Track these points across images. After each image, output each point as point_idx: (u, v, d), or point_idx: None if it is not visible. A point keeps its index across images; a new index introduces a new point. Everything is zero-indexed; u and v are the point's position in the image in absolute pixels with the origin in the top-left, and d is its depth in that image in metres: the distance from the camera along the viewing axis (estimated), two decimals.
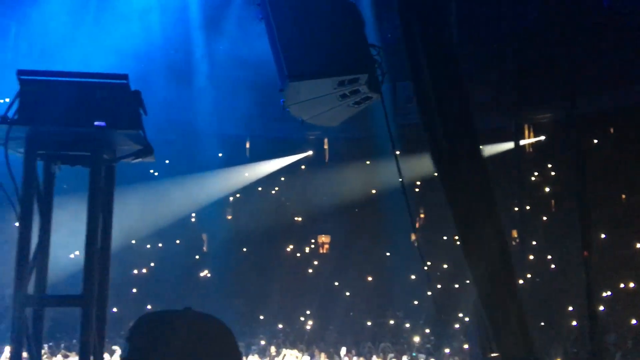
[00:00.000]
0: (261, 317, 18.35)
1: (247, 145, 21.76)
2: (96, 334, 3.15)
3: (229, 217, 21.53)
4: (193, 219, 20.30)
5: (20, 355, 3.05)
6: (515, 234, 18.37)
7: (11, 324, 3.07)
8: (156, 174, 18.66)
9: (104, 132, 3.23)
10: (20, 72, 3.24)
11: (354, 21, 5.52)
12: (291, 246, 20.99)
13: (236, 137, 20.62)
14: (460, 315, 15.64)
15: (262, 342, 14.81)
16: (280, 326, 17.45)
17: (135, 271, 19.25)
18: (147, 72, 14.63)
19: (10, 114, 3.22)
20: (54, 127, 3.21)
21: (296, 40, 5.37)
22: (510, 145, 18.40)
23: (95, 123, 3.21)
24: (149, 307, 17.16)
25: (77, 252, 17.57)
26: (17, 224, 3.19)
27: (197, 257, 20.75)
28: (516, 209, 18.54)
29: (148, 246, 19.54)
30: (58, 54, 15.13)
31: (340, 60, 5.48)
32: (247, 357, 12.79)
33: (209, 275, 20.11)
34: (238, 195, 21.10)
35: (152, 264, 19.57)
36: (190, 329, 1.38)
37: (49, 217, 3.33)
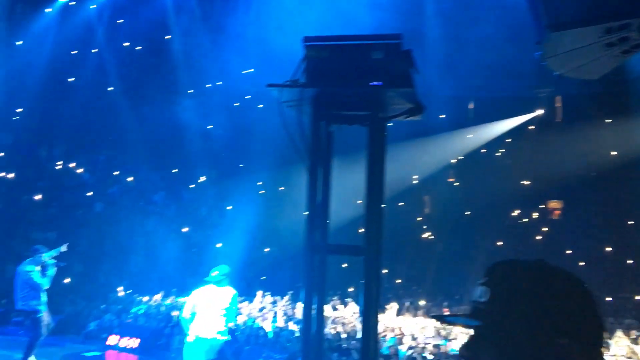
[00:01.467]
0: None
1: (471, 106, 21.11)
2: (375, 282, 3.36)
3: (452, 180, 21.29)
4: (415, 181, 20.47)
5: (312, 297, 3.37)
6: None
7: (303, 270, 3.40)
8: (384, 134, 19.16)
9: (381, 91, 3.35)
10: (306, 39, 3.48)
11: None
12: (517, 211, 20.04)
13: (458, 97, 20.11)
14: None
15: None
16: None
17: (361, 230, 20.18)
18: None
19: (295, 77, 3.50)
20: (336, 88, 3.42)
21: None
22: None
23: (372, 83, 3.34)
24: None
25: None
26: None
27: (419, 218, 20.99)
28: None
29: None
30: (292, 23, 16.18)
31: (608, 3, 4.92)
32: None
33: (431, 237, 20.25)
34: (461, 158, 20.72)
35: None
36: (546, 281, 1.33)
37: (329, 173, 3.59)
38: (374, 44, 3.43)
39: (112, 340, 10.55)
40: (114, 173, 19.11)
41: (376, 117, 3.45)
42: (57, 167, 18.29)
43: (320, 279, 3.52)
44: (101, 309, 12.71)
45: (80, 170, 18.56)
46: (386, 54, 3.39)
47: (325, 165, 3.58)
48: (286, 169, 18.15)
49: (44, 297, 8.34)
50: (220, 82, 18.71)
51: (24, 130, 17.57)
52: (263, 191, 19.66)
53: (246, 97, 19.40)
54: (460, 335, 10.11)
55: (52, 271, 8.36)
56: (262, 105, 19.38)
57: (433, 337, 10.27)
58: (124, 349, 10.31)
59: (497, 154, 20.63)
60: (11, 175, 16.74)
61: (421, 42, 16.76)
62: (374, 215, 3.38)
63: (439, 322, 1.40)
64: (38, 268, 8.37)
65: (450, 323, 1.46)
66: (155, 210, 18.21)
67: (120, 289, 14.34)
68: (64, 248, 8.58)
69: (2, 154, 16.99)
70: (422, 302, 14.61)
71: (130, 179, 18.87)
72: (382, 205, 3.55)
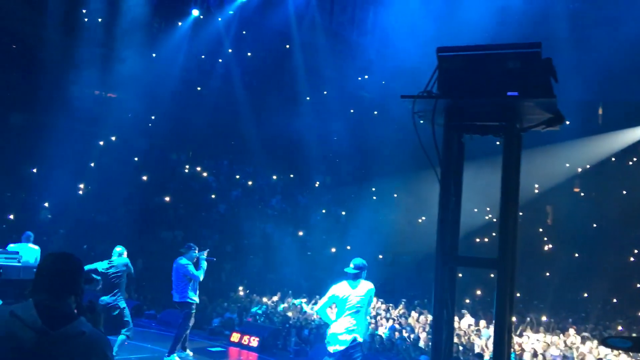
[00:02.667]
0: (614, 301, 16.76)
1: (600, 112, 19.84)
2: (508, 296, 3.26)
3: (577, 190, 20.10)
4: (537, 191, 19.55)
5: (442, 309, 3.34)
6: None
7: (434, 280, 3.37)
8: (497, 143, 18.49)
9: (518, 102, 3.26)
10: (439, 49, 3.46)
11: None
12: None
13: (586, 102, 18.95)
14: None
15: (620, 328, 13.51)
16: None
17: (477, 240, 19.59)
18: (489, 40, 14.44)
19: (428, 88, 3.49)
20: (470, 99, 3.37)
21: None
22: None
23: (508, 93, 3.25)
24: (492, 275, 17.28)
25: (423, 218, 18.83)
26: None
27: (540, 229, 20.01)
28: None
29: (488, 217, 19.57)
30: (410, 32, 16.08)
31: None
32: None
33: (553, 249, 19.23)
34: (588, 167, 19.50)
35: (493, 234, 19.62)
36: None
37: (461, 184, 3.54)
38: (509, 53, 3.34)
39: (235, 337, 11.03)
40: (236, 177, 20.06)
41: (513, 128, 3.35)
42: (185, 171, 19.53)
43: (450, 291, 3.48)
44: (223, 307, 13.34)
45: (205, 174, 19.69)
46: (523, 63, 3.30)
47: (456, 176, 3.54)
48: (400, 177, 18.07)
49: (198, 290, 8.94)
50: (338, 90, 19.03)
51: (157, 136, 18.94)
52: (375, 198, 19.71)
53: (362, 105, 19.61)
54: (589, 356, 9.50)
55: (204, 264, 8.97)
56: (376, 113, 19.48)
57: (558, 355, 9.74)
58: (246, 347, 10.75)
59: (629, 163, 19.20)
60: (145, 178, 18.08)
61: (547, 42, 15.99)
62: (509, 229, 3.30)
63: (603, 345, 1.35)
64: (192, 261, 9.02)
65: (615, 347, 1.40)
66: (273, 213, 18.85)
67: (240, 288, 14.98)
68: (205, 254, 9.13)
69: (137, 158, 18.41)
70: (543, 318, 13.89)
71: (250, 182, 19.70)
72: (517, 218, 3.46)
